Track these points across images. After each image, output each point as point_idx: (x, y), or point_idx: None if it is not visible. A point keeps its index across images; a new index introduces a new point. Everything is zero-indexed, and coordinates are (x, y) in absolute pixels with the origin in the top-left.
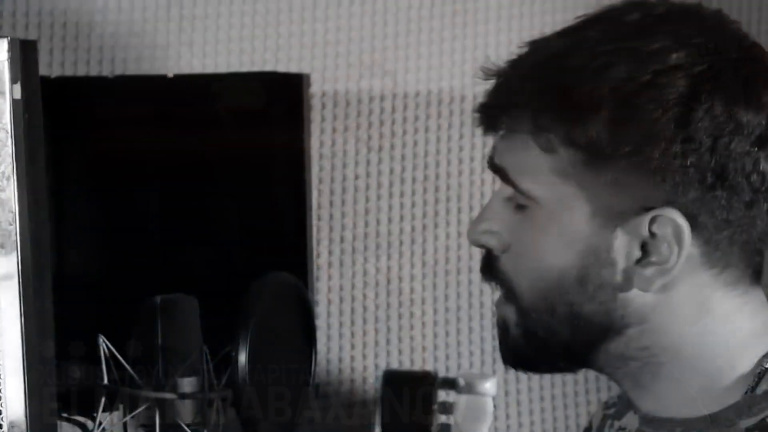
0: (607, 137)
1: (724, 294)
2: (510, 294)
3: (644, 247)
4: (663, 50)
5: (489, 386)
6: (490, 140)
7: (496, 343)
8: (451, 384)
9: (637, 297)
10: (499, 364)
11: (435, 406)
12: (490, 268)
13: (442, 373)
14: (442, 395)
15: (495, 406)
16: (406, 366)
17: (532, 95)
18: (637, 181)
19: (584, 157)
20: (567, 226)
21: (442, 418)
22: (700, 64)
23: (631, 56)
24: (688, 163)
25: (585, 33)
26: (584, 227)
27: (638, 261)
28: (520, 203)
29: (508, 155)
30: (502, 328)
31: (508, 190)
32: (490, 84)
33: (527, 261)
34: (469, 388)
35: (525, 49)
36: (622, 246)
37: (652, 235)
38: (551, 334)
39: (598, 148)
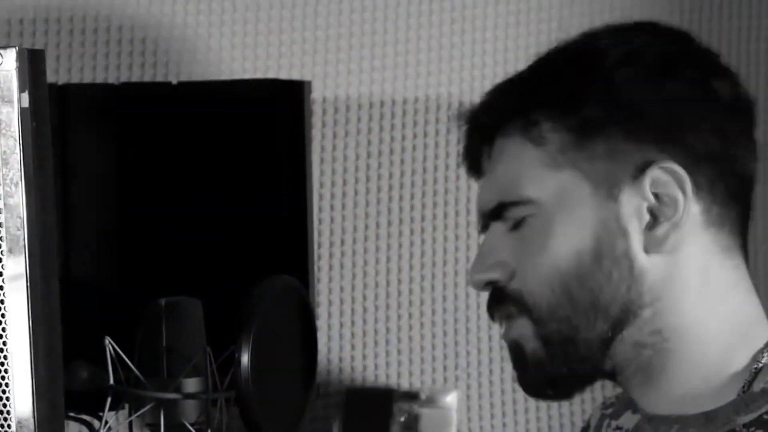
0: (597, 110)
1: (721, 261)
2: (524, 308)
3: (651, 212)
4: (624, 35)
5: (450, 400)
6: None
7: (492, 343)
8: (413, 397)
9: (651, 269)
10: (495, 363)
11: (396, 420)
12: (500, 298)
13: (440, 373)
14: (407, 407)
15: (486, 408)
16: (405, 365)
17: (522, 97)
18: (629, 145)
19: (575, 138)
20: (572, 211)
21: (409, 430)
22: (670, 44)
23: (602, 44)
24: (671, 124)
25: (551, 55)
26: (589, 204)
27: (649, 226)
28: (517, 219)
29: (498, 182)
30: (517, 352)
31: (500, 225)
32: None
33: (541, 264)
34: (431, 402)
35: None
36: (630, 211)
37: (656, 196)
38: (574, 330)
39: (590, 123)
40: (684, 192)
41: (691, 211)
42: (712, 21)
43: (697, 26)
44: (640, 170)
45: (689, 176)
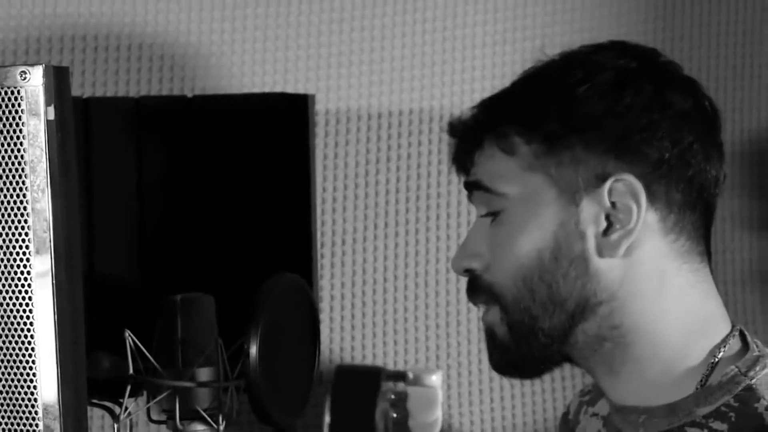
0: (556, 125)
1: (679, 266)
2: (494, 297)
3: (608, 218)
4: (590, 55)
5: (435, 379)
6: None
7: (481, 334)
8: (401, 377)
9: (606, 271)
10: (483, 353)
11: (383, 397)
12: (476, 287)
13: (432, 362)
14: (398, 386)
15: (476, 395)
16: (401, 354)
17: (495, 113)
18: (589, 156)
19: (545, 147)
20: (538, 212)
21: (397, 407)
22: (629, 61)
23: (567, 63)
24: (627, 135)
25: (522, 77)
26: (553, 207)
27: (605, 231)
28: (495, 211)
29: (481, 169)
30: (490, 335)
31: (483, 208)
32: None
33: (508, 258)
34: (417, 381)
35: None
36: (589, 217)
37: (613, 204)
38: (534, 320)
39: (552, 137)
40: (638, 203)
41: (648, 219)
42: (684, 39)
43: (669, 44)
44: (600, 179)
45: (646, 186)
